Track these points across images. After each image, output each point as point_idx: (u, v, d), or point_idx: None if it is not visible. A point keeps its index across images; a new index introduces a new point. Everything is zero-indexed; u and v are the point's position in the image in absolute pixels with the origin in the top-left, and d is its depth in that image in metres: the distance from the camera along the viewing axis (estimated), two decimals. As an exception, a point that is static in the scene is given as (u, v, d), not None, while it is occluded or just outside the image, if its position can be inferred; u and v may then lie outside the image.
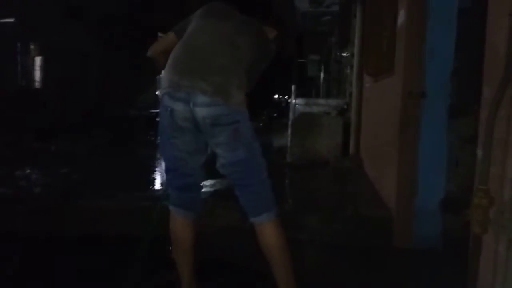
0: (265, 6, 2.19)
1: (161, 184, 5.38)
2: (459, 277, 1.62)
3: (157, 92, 19.69)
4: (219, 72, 1.75)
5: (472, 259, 1.44)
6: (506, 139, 1.38)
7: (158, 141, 10.10)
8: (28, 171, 5.73)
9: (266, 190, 1.87)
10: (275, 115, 17.86)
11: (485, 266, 1.48)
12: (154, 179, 6.01)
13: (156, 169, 6.87)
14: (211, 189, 4.31)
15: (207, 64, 1.77)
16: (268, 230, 1.84)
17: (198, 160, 1.90)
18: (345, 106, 6.90)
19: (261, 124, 13.75)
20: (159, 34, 2.17)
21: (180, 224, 1.96)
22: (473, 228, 1.38)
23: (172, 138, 1.84)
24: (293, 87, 6.95)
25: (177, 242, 1.97)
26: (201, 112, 1.73)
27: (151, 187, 5.33)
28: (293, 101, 6.97)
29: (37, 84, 12.17)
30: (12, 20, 11.28)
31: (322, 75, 13.88)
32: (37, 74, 12.17)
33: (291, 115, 6.66)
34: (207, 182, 4.33)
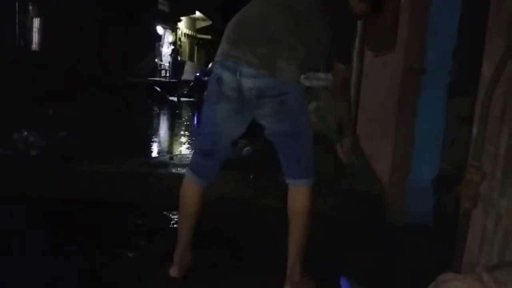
0: None
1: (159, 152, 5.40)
2: (447, 252, 1.66)
3: (156, 60, 19.51)
4: (268, 43, 1.73)
5: (460, 233, 1.47)
6: (501, 116, 1.39)
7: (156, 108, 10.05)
8: (25, 133, 5.74)
9: (309, 158, 1.91)
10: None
11: (473, 240, 1.52)
12: (151, 146, 6.04)
13: (153, 136, 6.89)
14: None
15: (256, 35, 1.75)
16: (300, 195, 1.90)
17: (232, 133, 1.93)
18: (345, 81, 6.85)
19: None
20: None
21: (191, 189, 1.99)
22: (463, 203, 1.41)
23: (215, 104, 1.86)
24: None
25: (183, 206, 2.01)
26: (247, 83, 1.73)
27: (148, 153, 5.36)
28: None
29: (36, 46, 12.02)
30: (10, -21, 11.05)
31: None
32: (36, 36, 12.00)
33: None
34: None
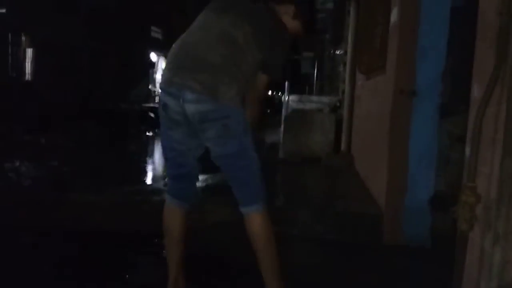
0: None
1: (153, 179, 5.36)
2: (446, 273, 1.64)
3: (150, 86, 19.61)
4: (209, 69, 1.79)
5: (458, 255, 1.46)
6: (493, 137, 1.39)
7: (150, 134, 10.04)
8: (17, 163, 5.69)
9: (257, 182, 1.90)
10: (268, 111, 17.90)
11: (471, 262, 1.50)
12: (145, 173, 6.00)
13: (147, 163, 6.85)
14: (202, 184, 4.31)
15: (197, 62, 1.81)
16: (256, 221, 1.88)
17: (192, 152, 1.95)
18: (338, 103, 6.92)
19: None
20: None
21: (172, 213, 2.00)
22: (459, 225, 1.40)
23: (167, 130, 1.92)
24: (286, 83, 6.95)
25: (168, 231, 2.01)
26: (189, 108, 1.78)
27: (141, 181, 5.32)
28: (287, 98, 6.98)
29: (28, 76, 12.06)
30: (3, 11, 11.18)
31: (315, 72, 13.90)
32: (28, 66, 12.06)
33: (284, 112, 6.67)
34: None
